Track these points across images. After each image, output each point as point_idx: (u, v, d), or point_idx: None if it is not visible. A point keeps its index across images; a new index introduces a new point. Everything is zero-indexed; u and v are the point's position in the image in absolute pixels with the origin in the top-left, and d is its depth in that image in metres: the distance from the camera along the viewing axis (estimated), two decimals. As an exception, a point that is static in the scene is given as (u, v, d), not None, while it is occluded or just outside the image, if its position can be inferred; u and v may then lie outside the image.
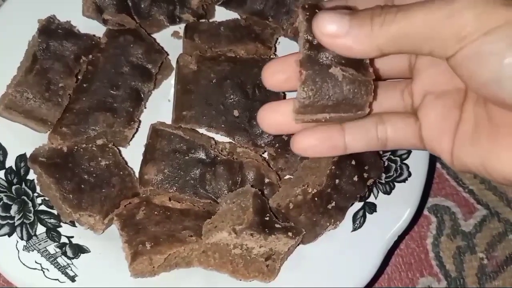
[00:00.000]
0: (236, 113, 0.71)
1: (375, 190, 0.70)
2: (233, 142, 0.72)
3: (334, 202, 0.66)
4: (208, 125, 0.71)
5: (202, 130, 0.72)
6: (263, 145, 0.71)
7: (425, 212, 0.80)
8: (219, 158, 0.69)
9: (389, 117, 0.58)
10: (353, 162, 0.66)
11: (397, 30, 0.46)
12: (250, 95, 0.72)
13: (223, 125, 0.71)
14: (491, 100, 0.47)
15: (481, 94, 0.47)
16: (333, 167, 0.65)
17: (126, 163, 0.71)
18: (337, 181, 0.66)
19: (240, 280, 0.65)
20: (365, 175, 0.67)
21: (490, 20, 0.43)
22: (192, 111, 0.71)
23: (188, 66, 0.73)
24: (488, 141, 0.48)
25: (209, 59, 0.73)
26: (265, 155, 0.73)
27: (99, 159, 0.68)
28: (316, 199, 0.65)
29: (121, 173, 0.69)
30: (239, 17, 0.78)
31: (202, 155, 0.69)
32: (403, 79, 0.60)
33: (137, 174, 0.70)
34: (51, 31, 0.71)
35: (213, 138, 0.71)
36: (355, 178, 0.66)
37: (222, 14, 0.79)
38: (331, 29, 0.49)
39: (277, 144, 0.71)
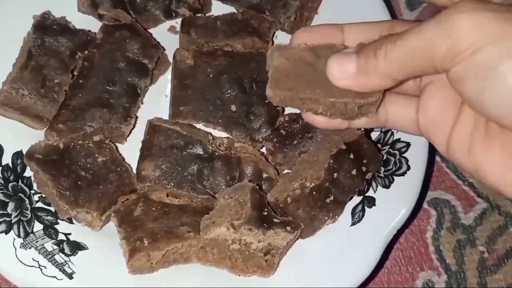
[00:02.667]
0: (233, 108, 0.71)
1: (374, 184, 0.70)
2: (231, 137, 0.71)
3: (332, 196, 0.66)
4: (206, 120, 0.71)
5: (199, 125, 0.72)
6: (261, 139, 0.71)
7: (425, 205, 0.80)
8: (216, 153, 0.68)
9: (391, 100, 0.58)
10: (352, 156, 0.66)
11: (399, 56, 0.47)
12: (247, 90, 0.71)
13: (220, 120, 0.71)
14: (480, 114, 0.48)
15: (472, 109, 0.48)
16: (331, 161, 0.65)
17: (123, 159, 0.70)
18: (335, 175, 0.65)
19: (239, 275, 0.64)
20: (364, 168, 0.67)
21: (483, 34, 0.43)
22: (189, 106, 0.71)
23: (184, 61, 0.72)
24: (481, 149, 0.49)
25: (206, 53, 0.73)
26: (263, 149, 0.73)
27: (96, 155, 0.68)
28: (314, 193, 0.64)
29: (118, 169, 0.68)
30: (235, 11, 0.77)
31: (199, 150, 0.68)
32: None
33: (134, 170, 0.70)
34: (46, 27, 0.71)
35: (211, 133, 0.71)
36: (354, 172, 0.66)
37: (218, 8, 0.78)
38: (341, 72, 0.51)
39: (275, 139, 0.71)
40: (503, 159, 0.48)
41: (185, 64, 0.72)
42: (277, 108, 0.72)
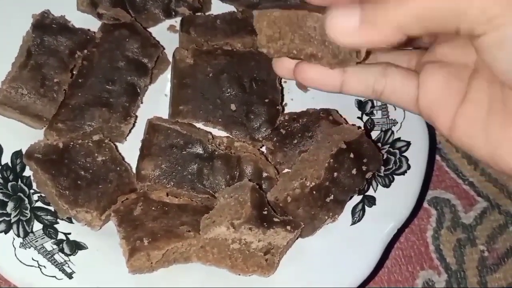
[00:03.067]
0: (233, 107, 0.71)
1: (374, 183, 0.70)
2: (231, 136, 0.71)
3: (332, 195, 0.65)
4: (205, 120, 0.71)
5: (199, 125, 0.71)
6: (260, 139, 0.71)
7: (425, 204, 0.79)
8: (216, 153, 0.68)
9: (392, 72, 0.53)
10: (352, 155, 0.66)
11: (419, 5, 0.41)
12: (247, 89, 0.71)
13: (220, 119, 0.71)
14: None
15: (503, 80, 0.43)
16: (331, 160, 0.65)
17: (123, 158, 0.70)
18: (335, 174, 0.65)
19: (239, 275, 0.64)
20: (364, 168, 0.67)
21: None
22: (189, 106, 0.70)
23: (184, 60, 0.72)
24: (500, 130, 0.45)
25: (206, 52, 0.72)
26: (263, 149, 0.73)
27: (96, 154, 0.68)
28: (314, 192, 0.64)
29: (118, 168, 0.68)
30: (235, 10, 0.77)
31: (199, 149, 0.68)
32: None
33: (134, 170, 0.69)
34: (45, 26, 0.70)
35: (210, 133, 0.71)
36: (354, 171, 0.66)
37: (218, 7, 0.78)
38: (342, 27, 0.44)
39: (275, 138, 0.71)
40: None
41: (185, 63, 0.72)
42: (277, 107, 0.71)
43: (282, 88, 0.74)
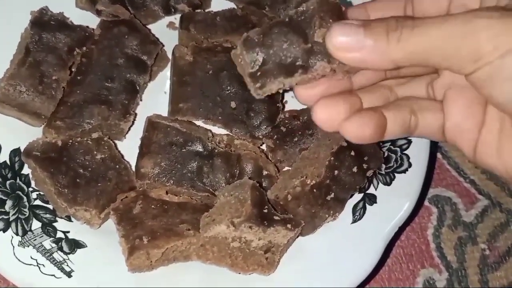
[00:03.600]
0: (233, 104, 0.70)
1: (375, 181, 0.70)
2: (231, 134, 0.71)
3: (333, 194, 0.65)
4: (205, 117, 0.70)
5: (199, 122, 0.71)
6: (261, 136, 0.70)
7: (426, 203, 0.79)
8: (216, 151, 0.68)
9: (420, 106, 0.54)
10: (352, 153, 0.66)
11: (415, 46, 0.45)
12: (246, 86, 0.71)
13: (220, 117, 0.70)
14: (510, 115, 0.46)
15: (501, 111, 0.47)
16: (332, 158, 0.65)
17: (122, 156, 0.70)
18: (336, 172, 0.65)
19: (239, 273, 0.64)
20: (365, 166, 0.67)
21: (506, 42, 0.42)
22: (189, 103, 0.70)
23: (184, 58, 0.72)
24: (510, 148, 0.48)
25: (205, 50, 0.72)
26: (263, 147, 0.72)
27: (95, 152, 0.67)
28: (314, 190, 0.64)
29: (117, 166, 0.68)
30: (235, 7, 0.77)
31: (199, 147, 0.68)
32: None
33: (133, 168, 0.69)
34: (44, 22, 0.70)
35: (210, 131, 0.71)
36: (355, 169, 0.66)
37: (218, 4, 0.78)
38: (345, 42, 0.46)
39: (275, 136, 0.71)
40: None
41: (184, 60, 0.72)
42: (277, 105, 0.71)
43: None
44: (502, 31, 0.42)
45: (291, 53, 0.48)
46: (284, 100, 0.75)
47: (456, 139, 0.52)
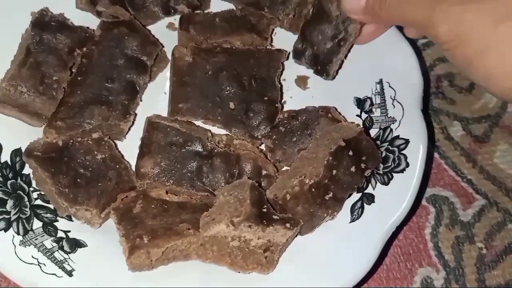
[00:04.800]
0: (232, 105, 0.71)
1: (373, 181, 0.70)
2: (230, 134, 0.71)
3: (331, 193, 0.66)
4: (205, 118, 0.71)
5: (198, 123, 0.72)
6: (260, 137, 0.71)
7: (424, 202, 0.80)
8: (216, 151, 0.68)
9: None
10: (351, 153, 0.66)
11: (394, 13, 0.61)
12: (246, 87, 0.71)
13: (219, 117, 0.71)
14: None
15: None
16: (330, 157, 0.65)
17: (123, 156, 0.70)
18: (334, 171, 0.65)
19: (239, 272, 0.64)
20: (363, 165, 0.67)
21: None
22: (188, 104, 0.70)
23: (183, 58, 0.72)
24: None
25: (205, 50, 0.72)
26: (263, 146, 0.73)
27: (95, 152, 0.68)
28: (313, 190, 0.64)
29: (118, 166, 0.68)
30: (234, 8, 0.77)
31: (198, 147, 0.68)
32: None
33: (133, 168, 0.69)
34: (45, 23, 0.70)
35: (210, 131, 0.71)
36: (353, 169, 0.66)
37: (217, 4, 0.78)
38: (352, 6, 0.66)
39: (274, 136, 0.71)
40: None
41: (184, 61, 0.72)
42: (276, 105, 0.71)
43: (281, 85, 0.74)
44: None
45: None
46: (283, 101, 0.75)
47: None
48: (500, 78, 0.52)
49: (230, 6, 0.78)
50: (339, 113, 0.73)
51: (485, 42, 0.51)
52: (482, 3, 0.50)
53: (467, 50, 0.52)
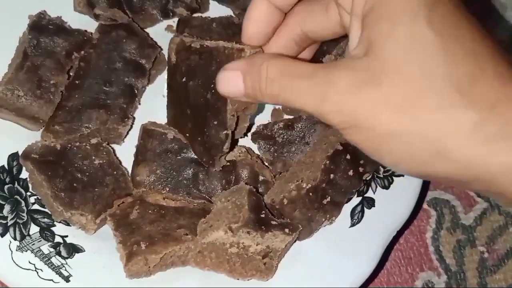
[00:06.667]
0: (197, 120, 0.63)
1: (373, 184, 0.70)
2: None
3: (329, 197, 0.65)
4: (180, 131, 0.67)
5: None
6: (216, 167, 0.65)
7: (425, 205, 0.79)
8: (212, 157, 0.67)
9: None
10: (348, 157, 0.65)
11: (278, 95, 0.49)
12: (206, 101, 0.61)
13: (187, 134, 0.65)
14: None
15: None
16: (328, 161, 0.65)
17: (120, 162, 0.70)
18: (332, 176, 0.65)
19: (238, 279, 0.64)
20: (361, 169, 0.66)
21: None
22: (170, 113, 0.68)
23: (171, 57, 0.66)
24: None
25: (186, 49, 0.63)
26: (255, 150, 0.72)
27: (93, 158, 0.67)
28: (310, 194, 0.64)
29: (115, 172, 0.68)
30: (233, 14, 0.76)
31: (194, 154, 0.67)
32: None
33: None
34: (42, 27, 0.70)
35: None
36: (350, 173, 0.66)
37: (216, 9, 0.77)
38: (229, 91, 0.54)
39: (272, 148, 0.70)
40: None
41: (170, 61, 0.66)
42: (225, 132, 0.61)
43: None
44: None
45: None
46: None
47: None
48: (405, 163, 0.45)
49: (229, 11, 0.77)
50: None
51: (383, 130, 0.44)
52: (378, 90, 0.43)
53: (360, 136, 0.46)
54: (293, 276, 0.65)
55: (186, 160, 0.67)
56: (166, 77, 0.74)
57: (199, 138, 0.63)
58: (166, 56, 0.74)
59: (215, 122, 0.60)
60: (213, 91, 0.58)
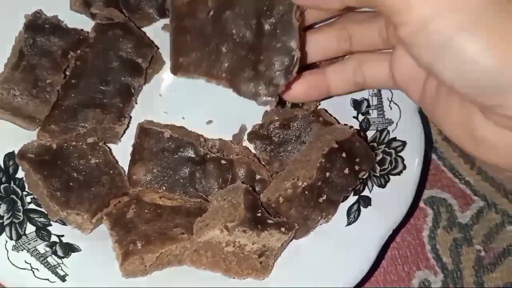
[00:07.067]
0: (239, 55, 0.57)
1: (369, 183, 0.70)
2: (223, 139, 0.70)
3: (325, 196, 0.65)
4: (207, 74, 0.57)
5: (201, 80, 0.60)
6: (272, 100, 0.56)
7: (421, 204, 0.79)
8: (208, 156, 0.67)
9: (366, 61, 0.60)
10: (344, 155, 0.65)
11: None
12: (255, 29, 0.56)
13: (224, 74, 0.57)
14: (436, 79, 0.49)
15: (428, 71, 0.50)
16: (323, 160, 0.65)
17: (117, 162, 0.70)
18: (327, 174, 0.65)
19: (234, 278, 0.64)
20: (357, 167, 0.66)
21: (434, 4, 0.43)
22: (189, 57, 0.58)
23: None
24: (444, 103, 0.50)
25: None
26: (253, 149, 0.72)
27: (89, 157, 0.67)
28: (306, 192, 0.64)
29: (111, 172, 0.68)
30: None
31: (191, 153, 0.67)
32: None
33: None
34: (38, 26, 0.70)
35: (202, 136, 0.70)
36: (346, 171, 0.66)
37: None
38: None
39: (268, 148, 0.70)
40: (459, 119, 0.49)
41: (182, 0, 0.58)
42: (293, 54, 0.55)
43: (306, 29, 0.62)
44: None
45: None
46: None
47: (406, 86, 0.56)
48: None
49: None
50: (330, 114, 0.72)
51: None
52: None
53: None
54: (289, 275, 0.65)
55: (182, 159, 0.67)
56: (163, 76, 0.74)
57: (247, 72, 0.56)
58: (164, 56, 0.74)
59: (278, 45, 0.55)
60: (268, 12, 0.55)
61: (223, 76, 0.57)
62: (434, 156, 0.81)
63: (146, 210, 0.65)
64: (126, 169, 0.69)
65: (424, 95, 0.53)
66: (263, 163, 0.70)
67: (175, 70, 0.59)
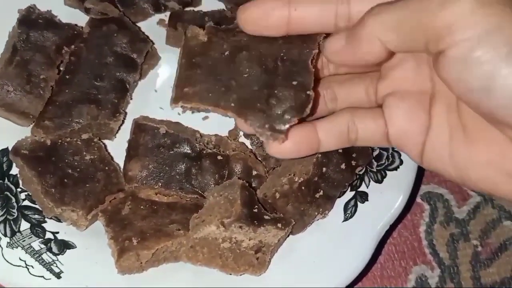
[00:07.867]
0: (252, 88, 0.57)
1: (366, 178, 0.69)
2: (219, 134, 0.70)
3: (321, 191, 0.65)
4: (214, 104, 0.56)
5: (206, 108, 0.59)
6: (283, 130, 0.54)
7: (418, 199, 0.79)
8: (204, 152, 0.67)
9: (360, 116, 0.56)
10: (340, 150, 0.65)
11: (392, 17, 0.45)
12: (270, 69, 0.57)
13: (233, 104, 0.56)
14: (476, 109, 0.44)
15: (466, 100, 0.44)
16: (320, 155, 0.64)
17: (112, 158, 0.69)
18: (324, 169, 0.65)
19: (230, 274, 0.63)
20: (353, 162, 0.66)
21: (484, 18, 0.40)
22: (196, 87, 0.57)
23: (197, 37, 0.60)
24: (465, 154, 0.48)
25: (224, 30, 0.59)
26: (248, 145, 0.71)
27: (84, 153, 0.67)
28: (303, 188, 0.64)
29: (107, 168, 0.67)
30: (225, 7, 0.76)
31: (187, 149, 0.67)
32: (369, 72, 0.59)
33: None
34: (32, 21, 0.69)
35: (198, 131, 0.70)
36: (343, 166, 0.65)
37: (209, 2, 0.77)
38: (332, 46, 0.51)
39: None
40: (489, 160, 0.47)
41: (197, 40, 0.59)
42: (307, 92, 0.55)
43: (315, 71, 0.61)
44: (481, 4, 0.40)
45: None
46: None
47: (402, 144, 0.53)
48: None
49: (222, 5, 0.76)
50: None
51: None
52: None
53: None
54: (286, 270, 0.65)
55: (178, 155, 0.66)
56: (158, 71, 0.74)
57: (257, 104, 0.55)
58: (159, 51, 0.74)
59: (294, 83, 0.55)
60: (285, 57, 0.56)
61: (231, 106, 0.56)
62: (431, 152, 0.81)
63: (141, 207, 0.65)
64: (121, 165, 0.68)
65: (426, 151, 0.51)
66: (260, 159, 0.70)
67: (177, 100, 0.57)
